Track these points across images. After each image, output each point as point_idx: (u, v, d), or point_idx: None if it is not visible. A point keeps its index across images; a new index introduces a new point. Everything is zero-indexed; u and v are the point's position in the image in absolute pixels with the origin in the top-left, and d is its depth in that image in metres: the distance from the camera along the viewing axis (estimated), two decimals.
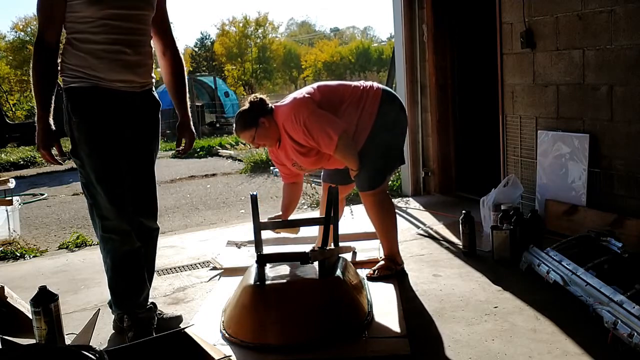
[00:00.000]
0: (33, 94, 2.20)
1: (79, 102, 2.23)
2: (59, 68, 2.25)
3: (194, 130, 2.60)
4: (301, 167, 3.01)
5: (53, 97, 2.21)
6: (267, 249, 2.70)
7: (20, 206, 5.17)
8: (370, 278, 3.00)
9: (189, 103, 2.57)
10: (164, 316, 2.57)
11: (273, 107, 2.92)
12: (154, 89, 2.45)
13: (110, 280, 2.37)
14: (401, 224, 4.15)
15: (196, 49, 41.50)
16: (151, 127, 2.42)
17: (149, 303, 2.44)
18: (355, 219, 4.38)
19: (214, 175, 8.79)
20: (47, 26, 2.19)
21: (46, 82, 2.20)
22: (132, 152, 2.32)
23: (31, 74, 2.19)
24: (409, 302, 2.73)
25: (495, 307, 2.60)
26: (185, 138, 2.59)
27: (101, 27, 2.18)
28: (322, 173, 3.37)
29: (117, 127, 2.26)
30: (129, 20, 2.24)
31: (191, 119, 2.59)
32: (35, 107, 2.21)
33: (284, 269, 2.57)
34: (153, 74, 2.43)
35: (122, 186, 2.28)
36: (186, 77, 2.56)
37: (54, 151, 2.26)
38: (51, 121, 2.21)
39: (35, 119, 2.21)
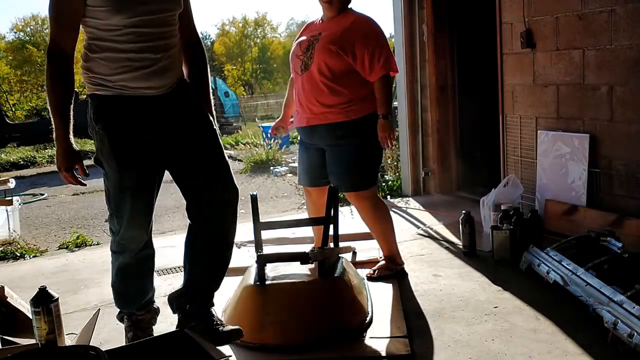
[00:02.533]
0: (50, 109, 2.00)
1: (103, 111, 2.08)
2: (75, 73, 2.09)
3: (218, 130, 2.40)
4: (306, 54, 2.89)
5: (72, 111, 2.03)
6: (267, 249, 2.70)
7: (20, 206, 5.17)
8: (370, 278, 3.00)
9: (212, 100, 2.38)
10: (221, 329, 2.22)
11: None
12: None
13: (114, 283, 2.35)
14: (401, 224, 4.15)
15: None
16: (187, 120, 2.17)
17: (154, 305, 2.42)
18: (355, 219, 4.38)
19: None
20: (62, 34, 2.01)
21: (64, 96, 2.01)
22: (172, 154, 2.15)
23: (47, 86, 2.01)
24: (409, 302, 2.73)
25: (495, 307, 2.60)
26: None
27: (127, 35, 2.00)
28: (297, 177, 3.30)
29: (143, 138, 2.09)
30: (157, 25, 2.05)
31: (215, 116, 2.37)
32: (53, 123, 2.01)
33: (284, 269, 2.57)
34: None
35: (141, 203, 2.15)
36: (209, 72, 2.37)
37: (77, 172, 2.09)
38: (72, 139, 2.04)
39: (54, 136, 2.01)
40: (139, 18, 1.99)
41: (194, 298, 2.28)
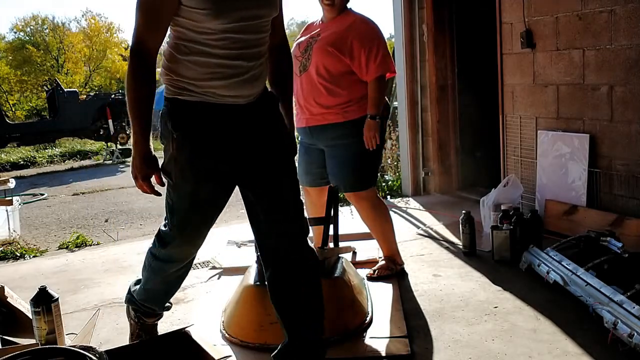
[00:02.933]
0: (129, 112, 1.85)
1: (184, 117, 1.90)
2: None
3: (297, 143, 2.24)
4: (304, 55, 2.91)
5: (152, 115, 1.90)
6: None
7: (20, 206, 5.17)
8: (370, 278, 3.00)
9: (294, 110, 2.23)
10: None
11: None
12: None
13: (148, 284, 2.21)
14: (401, 224, 4.15)
15: None
16: (269, 133, 2.01)
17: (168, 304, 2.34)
18: (355, 219, 4.37)
19: None
20: (150, 33, 1.81)
21: (146, 99, 1.85)
22: (248, 170, 1.96)
23: (127, 88, 1.84)
24: (409, 302, 2.73)
25: (495, 307, 2.60)
26: None
27: (221, 40, 1.82)
28: (297, 177, 3.30)
29: (224, 149, 1.92)
30: (252, 32, 1.88)
31: (294, 127, 2.22)
32: (131, 127, 1.87)
33: None
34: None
35: (208, 219, 2.02)
36: (293, 79, 2.22)
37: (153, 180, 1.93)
38: (151, 146, 1.90)
39: (132, 142, 1.88)
40: (236, 24, 1.82)
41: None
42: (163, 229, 2.08)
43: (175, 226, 2.02)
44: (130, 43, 1.85)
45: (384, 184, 5.63)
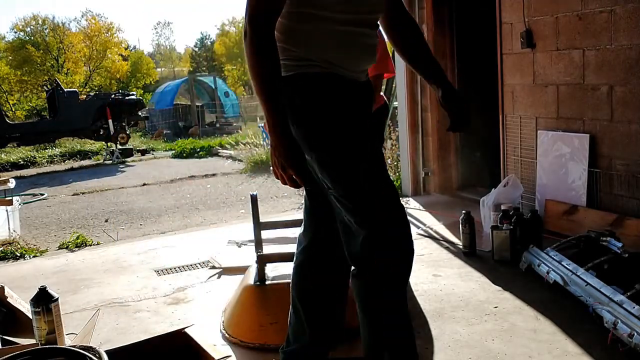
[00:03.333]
0: (259, 94, 1.61)
1: (318, 90, 1.67)
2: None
3: (463, 97, 1.93)
4: None
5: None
6: (267, 249, 2.70)
7: (20, 206, 5.17)
8: None
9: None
10: None
11: None
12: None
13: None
14: None
15: (196, 49, 41.54)
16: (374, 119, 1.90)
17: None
18: None
19: (214, 175, 8.79)
20: (273, 2, 1.60)
21: (276, 73, 1.61)
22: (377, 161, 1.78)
23: (252, 65, 1.60)
24: (409, 302, 2.71)
25: (495, 307, 2.60)
26: (459, 109, 1.89)
27: (344, 4, 1.63)
28: None
29: (363, 127, 1.73)
30: None
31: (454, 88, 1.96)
32: (265, 111, 1.60)
33: (284, 269, 2.57)
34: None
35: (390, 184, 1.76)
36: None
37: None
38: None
39: (270, 126, 1.60)
40: None
41: None
42: (354, 225, 1.69)
43: (364, 204, 1.66)
44: (245, 16, 1.61)
45: None
